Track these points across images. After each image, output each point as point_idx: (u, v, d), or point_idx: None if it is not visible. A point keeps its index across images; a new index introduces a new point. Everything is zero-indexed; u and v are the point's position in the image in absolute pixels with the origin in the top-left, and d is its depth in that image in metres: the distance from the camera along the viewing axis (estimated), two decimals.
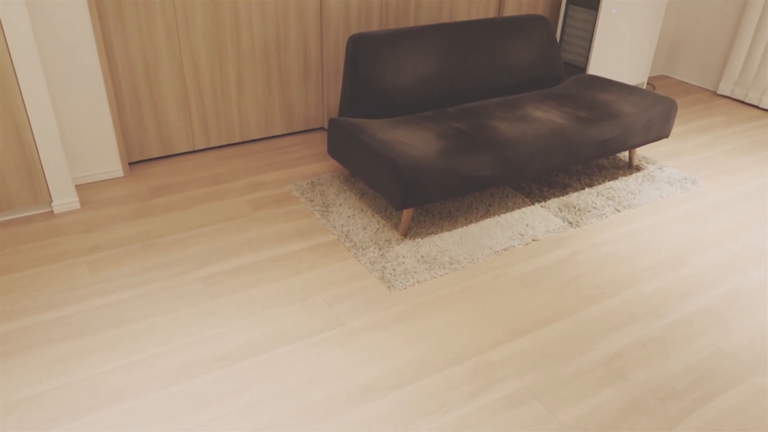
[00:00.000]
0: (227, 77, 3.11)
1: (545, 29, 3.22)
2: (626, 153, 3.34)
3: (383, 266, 2.32)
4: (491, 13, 3.77)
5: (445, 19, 3.60)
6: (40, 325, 1.99)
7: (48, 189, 2.58)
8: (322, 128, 3.58)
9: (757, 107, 4.11)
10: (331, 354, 1.91)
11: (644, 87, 4.26)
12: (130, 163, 3.07)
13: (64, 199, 2.63)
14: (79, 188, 2.83)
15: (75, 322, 2.00)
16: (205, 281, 2.22)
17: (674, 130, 3.70)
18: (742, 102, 4.20)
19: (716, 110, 4.05)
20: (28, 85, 2.37)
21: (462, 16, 3.65)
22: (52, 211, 2.64)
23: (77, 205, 2.66)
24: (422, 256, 2.39)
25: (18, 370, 1.82)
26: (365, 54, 2.73)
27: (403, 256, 2.39)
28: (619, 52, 3.85)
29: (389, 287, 2.22)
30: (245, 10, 3.00)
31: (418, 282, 2.25)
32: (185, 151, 3.18)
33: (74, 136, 2.77)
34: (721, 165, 3.26)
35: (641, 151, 3.38)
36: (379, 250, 2.42)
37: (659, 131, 3.01)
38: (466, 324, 2.06)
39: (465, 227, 2.60)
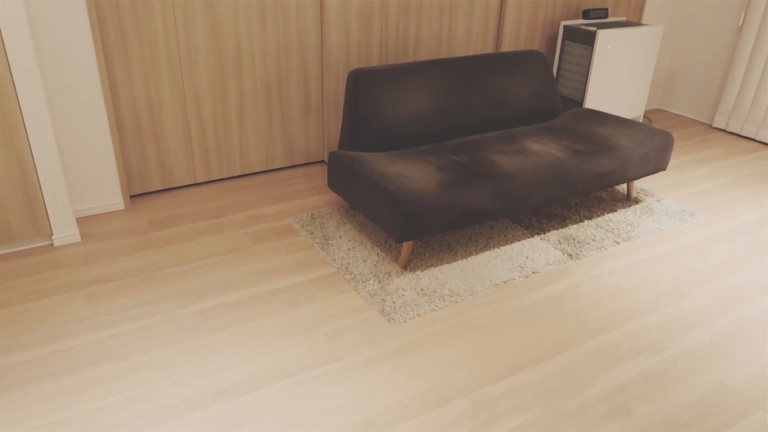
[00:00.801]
0: (229, 111, 3.16)
1: (542, 64, 3.28)
2: (624, 185, 3.36)
3: (383, 299, 2.32)
4: (489, 49, 3.84)
5: (443, 55, 3.67)
6: (39, 358, 1.98)
7: (49, 222, 2.59)
8: (322, 161, 3.61)
9: (752, 140, 4.16)
10: (330, 388, 1.89)
11: (641, 120, 4.31)
12: (131, 196, 3.08)
13: (65, 232, 2.64)
14: (80, 221, 2.84)
15: (74, 356, 1.99)
16: (204, 314, 2.22)
17: (671, 163, 3.74)
18: (738, 135, 4.24)
19: (712, 143, 4.09)
20: (32, 119, 2.40)
21: (460, 52, 3.72)
22: (52, 244, 2.64)
23: (77, 238, 2.67)
24: (422, 289, 2.39)
25: (17, 404, 1.79)
26: (365, 89, 2.77)
27: (403, 289, 2.38)
28: (615, 87, 3.91)
29: (389, 320, 2.21)
30: (247, 46, 3.06)
31: (418, 315, 2.25)
32: (186, 184, 3.20)
33: (76, 168, 2.79)
34: (719, 197, 3.28)
35: (639, 184, 3.41)
36: (379, 282, 2.42)
37: (656, 164, 3.04)
38: (467, 358, 2.04)
39: (465, 260, 2.60)
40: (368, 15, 3.29)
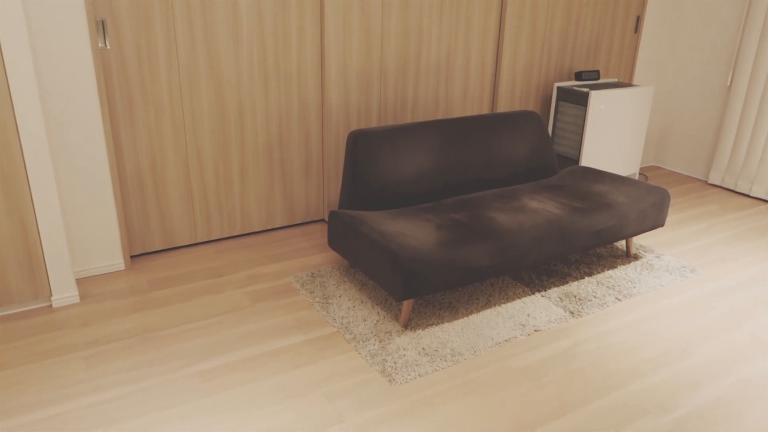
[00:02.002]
0: (231, 172, 3.20)
1: (537, 124, 3.36)
2: (624, 242, 3.38)
3: (384, 359, 2.29)
4: (485, 109, 3.94)
5: (441, 116, 3.76)
6: (35, 423, 1.93)
7: (49, 284, 2.58)
8: (322, 220, 3.63)
9: (747, 196, 4.20)
10: None
11: (636, 177, 4.37)
12: (132, 256, 3.09)
13: (64, 293, 2.63)
14: (80, 281, 2.84)
15: (69, 420, 1.94)
16: (202, 376, 2.18)
17: (669, 219, 3.76)
18: (733, 191, 4.29)
19: (709, 199, 4.13)
20: (37, 181, 2.43)
21: (457, 113, 3.81)
22: (51, 305, 2.63)
23: (77, 299, 2.66)
24: (423, 348, 2.36)
25: None
26: (364, 149, 2.83)
27: (404, 349, 2.35)
28: (609, 145, 3.99)
29: (390, 381, 2.17)
30: (250, 108, 3.14)
31: (419, 375, 2.21)
32: (187, 243, 3.22)
33: (78, 229, 2.81)
34: (718, 253, 3.29)
35: (638, 240, 3.42)
36: (380, 342, 2.39)
37: (654, 220, 3.06)
38: (470, 419, 2.00)
39: (466, 318, 2.58)
40: (367, 78, 3.40)
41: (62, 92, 2.60)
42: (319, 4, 3.16)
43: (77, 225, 2.80)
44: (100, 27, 2.65)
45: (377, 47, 3.37)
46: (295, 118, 3.30)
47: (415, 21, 3.44)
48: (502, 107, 3.96)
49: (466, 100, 3.82)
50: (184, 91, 2.94)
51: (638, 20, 4.34)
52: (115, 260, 2.94)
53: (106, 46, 2.69)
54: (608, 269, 3.05)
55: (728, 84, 4.27)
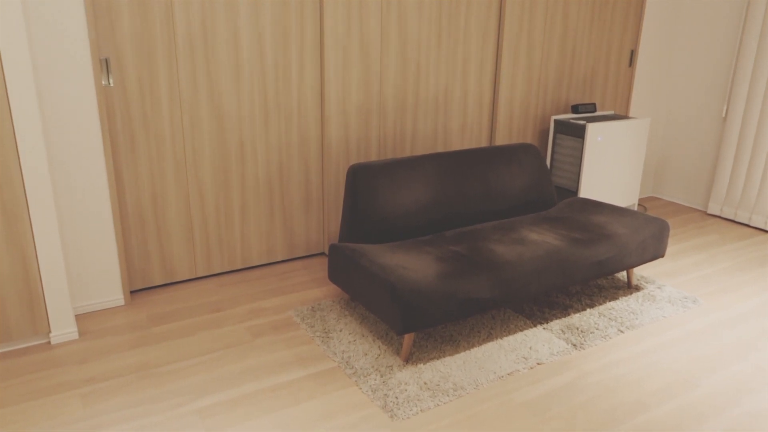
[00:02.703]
0: (231, 206, 3.22)
1: (535, 156, 3.39)
2: (624, 273, 3.37)
3: (385, 394, 2.26)
4: (483, 142, 3.98)
5: (439, 149, 3.80)
6: None
7: (48, 320, 2.57)
8: (322, 253, 3.63)
9: (747, 225, 4.21)
10: None
11: (635, 208, 4.38)
12: (132, 291, 3.08)
13: (63, 329, 2.61)
14: (79, 317, 2.82)
15: None
16: (201, 413, 2.15)
17: (669, 250, 3.76)
18: (732, 221, 4.30)
19: (708, 229, 4.14)
20: (39, 217, 2.45)
21: (456, 146, 3.85)
22: (49, 342, 2.61)
23: (75, 336, 2.64)
24: (425, 383, 2.33)
25: None
26: (364, 183, 2.85)
27: (406, 383, 2.33)
28: (607, 176, 4.01)
29: (392, 417, 2.14)
30: (250, 143, 3.17)
31: (421, 411, 2.18)
32: (187, 278, 3.21)
33: (78, 265, 2.81)
34: (720, 283, 3.28)
35: (639, 271, 3.41)
36: (381, 376, 2.37)
37: (654, 251, 3.06)
38: None
39: (467, 351, 2.56)
40: (366, 112, 3.44)
41: (65, 129, 2.63)
42: (319, 41, 3.22)
43: (77, 260, 2.80)
44: (104, 65, 2.70)
45: (376, 82, 3.42)
46: (296, 153, 3.33)
47: (413, 56, 3.50)
48: (500, 140, 4.00)
49: (465, 134, 3.87)
50: (185, 126, 2.97)
51: (632, 54, 4.42)
52: (115, 295, 2.93)
53: (109, 83, 2.73)
54: (610, 300, 3.03)
55: (723, 115, 4.32)
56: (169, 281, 3.16)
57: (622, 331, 2.75)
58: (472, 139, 3.91)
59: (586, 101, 4.32)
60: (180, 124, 2.96)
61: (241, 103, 3.09)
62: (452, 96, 3.73)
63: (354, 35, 3.27)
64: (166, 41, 2.82)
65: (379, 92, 3.45)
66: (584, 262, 2.77)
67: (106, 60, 2.70)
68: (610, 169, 4.01)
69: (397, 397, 2.24)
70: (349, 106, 3.38)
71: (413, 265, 2.52)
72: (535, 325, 2.78)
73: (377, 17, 3.32)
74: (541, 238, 2.84)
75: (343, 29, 3.23)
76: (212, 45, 2.93)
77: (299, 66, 3.20)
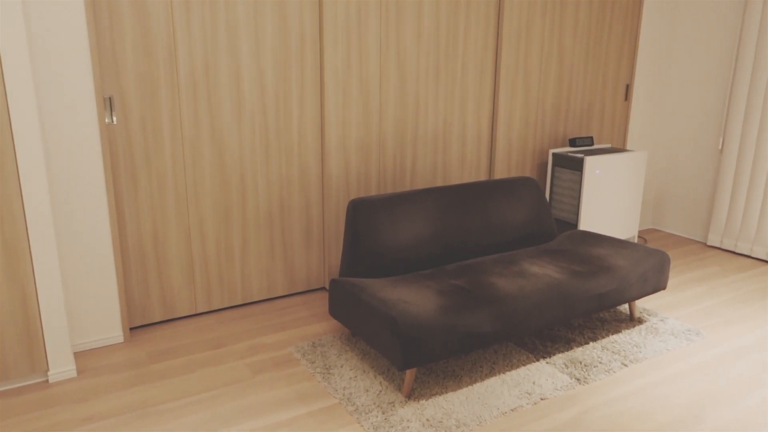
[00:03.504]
0: (232, 242, 3.22)
1: (535, 189, 3.41)
2: (626, 306, 3.35)
3: (387, 431, 2.23)
4: (482, 176, 4.01)
5: (439, 182, 3.82)
6: None
7: (46, 359, 2.55)
8: (323, 288, 3.62)
9: (748, 257, 4.21)
10: None
11: (635, 240, 4.39)
12: (131, 328, 3.06)
13: (61, 368, 2.58)
14: (77, 355, 2.80)
15: None
16: None
17: (671, 282, 3.75)
18: (733, 252, 4.30)
19: (709, 261, 4.13)
20: (40, 255, 2.45)
21: (455, 179, 3.88)
22: (47, 381, 2.58)
23: (74, 374, 2.61)
24: (427, 420, 2.30)
25: None
26: (364, 217, 2.86)
27: (408, 420, 2.29)
28: (607, 209, 4.03)
29: None
30: (251, 178, 3.20)
31: None
32: (187, 314, 3.19)
33: (77, 302, 2.80)
34: (722, 316, 3.26)
35: (641, 304, 3.40)
36: (383, 413, 2.34)
37: (656, 283, 3.05)
38: None
39: (470, 387, 2.53)
40: (366, 147, 3.48)
41: (68, 166, 2.66)
42: (320, 77, 3.27)
43: (77, 297, 2.79)
44: (108, 103, 2.74)
45: (376, 117, 3.47)
46: (296, 187, 3.36)
47: (412, 91, 3.56)
48: (499, 173, 4.03)
49: (464, 167, 3.90)
50: (187, 162, 3.00)
51: (627, 88, 4.49)
52: (114, 333, 2.91)
53: (113, 121, 2.77)
54: (612, 334, 3.01)
55: (719, 147, 4.37)
56: (169, 317, 3.14)
57: (626, 365, 2.72)
58: (472, 172, 3.94)
59: (584, 135, 4.37)
60: (182, 160, 2.98)
61: (242, 139, 3.12)
62: (451, 130, 3.77)
63: (354, 71, 3.33)
64: (169, 79, 2.87)
65: (378, 127, 3.49)
66: (585, 294, 2.76)
67: (110, 98, 2.75)
68: (609, 201, 4.03)
69: None
70: (349, 141, 3.41)
71: (414, 299, 2.51)
72: (538, 360, 2.76)
73: (376, 54, 3.38)
74: (542, 271, 2.83)
75: (342, 66, 3.29)
76: (214, 83, 2.98)
77: (300, 102, 3.25)
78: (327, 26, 3.19)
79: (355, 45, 3.30)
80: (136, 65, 2.78)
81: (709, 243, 4.42)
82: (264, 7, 3.04)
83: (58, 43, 2.54)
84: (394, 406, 2.38)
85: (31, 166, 2.37)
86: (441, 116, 3.71)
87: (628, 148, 4.64)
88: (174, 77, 2.88)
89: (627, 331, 3.04)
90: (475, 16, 3.67)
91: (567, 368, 2.68)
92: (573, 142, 4.13)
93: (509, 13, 3.77)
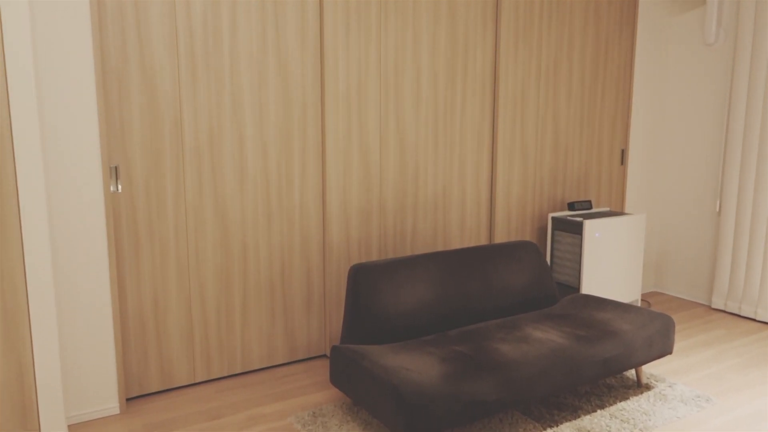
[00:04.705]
0: (232, 308, 3.20)
1: (535, 253, 3.41)
2: (633, 372, 3.29)
3: None
4: (482, 240, 4.02)
5: (439, 247, 3.84)
6: None
7: (39, 431, 2.48)
8: (324, 355, 3.57)
9: (753, 320, 4.16)
10: None
11: (639, 304, 4.35)
12: (128, 399, 2.99)
13: None
14: (71, 427, 2.72)
15: None
16: None
17: (676, 346, 3.70)
18: (738, 315, 4.26)
19: (714, 324, 4.09)
20: (39, 325, 2.43)
21: (455, 244, 3.89)
22: None
23: None
24: None
25: None
26: (365, 282, 2.85)
27: None
28: (608, 272, 4.02)
29: None
30: (253, 245, 3.21)
31: None
32: (185, 384, 3.13)
33: (74, 372, 2.75)
34: (731, 381, 3.19)
35: (648, 369, 3.33)
36: None
37: (661, 348, 3.01)
38: None
39: None
40: (367, 213, 3.51)
41: (72, 234, 2.68)
42: (321, 145, 3.35)
43: (74, 367, 2.75)
44: (113, 172, 2.80)
45: (376, 184, 3.52)
46: (297, 254, 3.37)
47: (412, 158, 3.63)
48: (499, 238, 4.05)
49: (464, 232, 3.92)
50: (189, 228, 3.03)
51: (623, 153, 4.58)
52: (110, 404, 2.85)
53: (117, 189, 2.82)
54: (620, 401, 2.94)
55: (717, 210, 4.40)
56: (166, 387, 3.08)
57: None
58: (471, 237, 3.96)
59: (582, 198, 4.42)
60: (184, 227, 3.01)
61: (244, 207, 3.16)
62: (450, 196, 3.82)
63: (354, 139, 3.41)
64: (175, 150, 2.94)
65: (379, 193, 3.54)
66: (590, 359, 2.72)
67: (116, 168, 2.80)
68: (611, 264, 4.03)
69: None
70: (350, 208, 3.45)
71: (417, 366, 2.47)
72: (544, 429, 2.68)
73: (376, 122, 3.47)
74: (545, 336, 2.80)
75: (343, 134, 3.37)
76: (218, 151, 3.05)
77: (301, 169, 3.31)
78: (328, 96, 3.30)
79: (355, 114, 3.40)
80: (142, 136, 2.85)
81: (713, 306, 4.38)
82: (267, 78, 3.15)
83: (68, 116, 2.62)
84: None
85: (35, 234, 2.40)
86: (440, 182, 3.76)
87: (626, 211, 4.68)
88: (179, 147, 2.95)
89: (635, 398, 2.97)
90: (471, 84, 3.79)
91: None
92: (572, 206, 4.18)
93: (504, 80, 3.89)
